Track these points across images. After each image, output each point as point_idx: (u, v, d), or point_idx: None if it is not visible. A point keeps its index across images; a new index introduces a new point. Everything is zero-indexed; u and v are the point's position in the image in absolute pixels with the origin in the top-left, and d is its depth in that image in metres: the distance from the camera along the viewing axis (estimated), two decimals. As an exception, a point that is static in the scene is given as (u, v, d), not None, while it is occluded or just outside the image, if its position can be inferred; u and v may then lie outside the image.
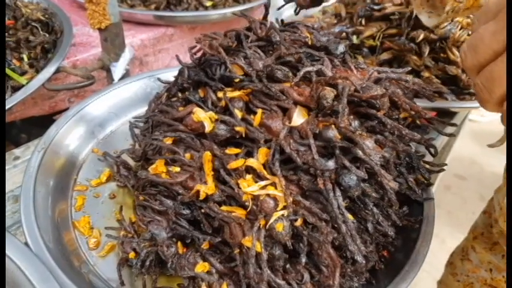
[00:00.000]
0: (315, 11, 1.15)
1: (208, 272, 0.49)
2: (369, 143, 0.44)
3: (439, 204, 2.18)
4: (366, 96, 0.43)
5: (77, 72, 0.86)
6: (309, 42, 0.53)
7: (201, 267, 0.49)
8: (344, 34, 0.53)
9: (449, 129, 0.85)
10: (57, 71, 0.84)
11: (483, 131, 2.56)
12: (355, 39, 0.96)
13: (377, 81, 0.47)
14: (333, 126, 0.44)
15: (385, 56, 0.93)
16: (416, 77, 0.89)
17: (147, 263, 0.51)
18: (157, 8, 1.18)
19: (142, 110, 0.76)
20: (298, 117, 0.47)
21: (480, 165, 2.31)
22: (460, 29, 0.94)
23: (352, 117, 0.46)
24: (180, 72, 0.57)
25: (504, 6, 0.35)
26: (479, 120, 2.72)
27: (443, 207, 2.13)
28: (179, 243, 0.52)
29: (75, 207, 0.61)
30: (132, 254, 0.52)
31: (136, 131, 0.70)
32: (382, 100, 0.43)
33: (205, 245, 0.51)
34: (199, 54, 0.58)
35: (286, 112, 0.49)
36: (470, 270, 0.82)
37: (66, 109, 0.91)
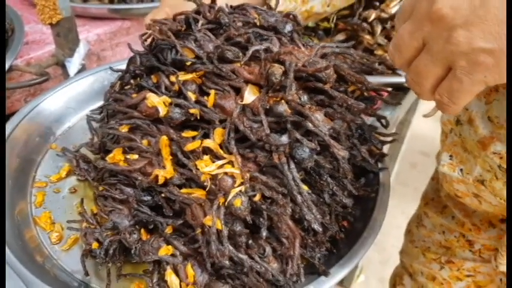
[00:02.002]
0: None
1: (172, 255, 0.50)
2: (318, 115, 0.46)
3: (406, 181, 2.24)
4: (312, 70, 0.44)
5: (30, 70, 0.84)
6: (258, 23, 0.54)
7: (165, 251, 0.50)
8: (292, 16, 0.54)
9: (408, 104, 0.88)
10: (10, 69, 0.82)
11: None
12: (310, 23, 0.98)
13: (323, 56, 0.49)
14: (282, 101, 0.46)
15: (339, 37, 0.95)
16: (370, 56, 0.92)
17: (111, 251, 0.51)
18: (111, 2, 1.16)
19: (99, 103, 0.75)
20: (250, 95, 0.48)
21: (442, 141, 2.39)
22: (410, 7, 0.97)
23: (301, 92, 0.47)
24: (132, 60, 0.57)
25: (415, 5, 0.38)
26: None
27: (410, 185, 2.20)
28: (142, 230, 0.53)
29: (35, 203, 0.60)
30: (95, 245, 0.52)
31: (94, 124, 0.69)
32: (328, 73, 0.45)
33: (168, 230, 0.52)
34: (150, 41, 0.58)
35: (238, 91, 0.50)
36: (425, 235, 0.86)
37: (22, 108, 0.88)
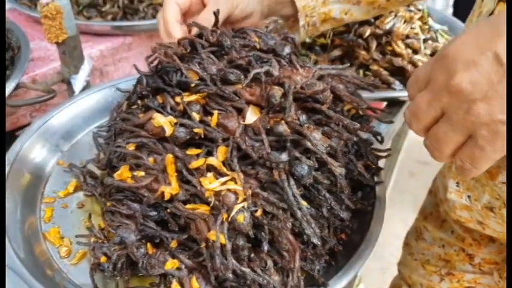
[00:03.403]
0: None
1: (178, 268, 0.52)
2: (316, 134, 0.48)
3: (405, 190, 2.25)
4: (310, 92, 0.47)
5: (37, 87, 0.87)
6: (258, 46, 0.57)
7: (171, 265, 0.52)
8: (290, 39, 0.57)
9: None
10: (17, 87, 0.84)
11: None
12: (307, 39, 1.01)
13: (320, 78, 0.52)
14: (282, 121, 0.48)
15: (336, 52, 0.98)
16: (365, 71, 0.95)
17: (119, 265, 0.53)
18: (114, 19, 1.19)
19: (105, 119, 0.77)
20: (251, 116, 0.51)
21: (440, 149, 2.41)
22: (404, 23, 1.00)
23: (300, 112, 0.50)
24: (139, 81, 0.60)
25: (431, 76, 0.40)
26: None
27: (408, 193, 2.23)
28: (149, 245, 0.55)
29: (44, 219, 0.62)
30: (103, 259, 0.54)
31: (100, 140, 0.71)
32: (325, 94, 0.48)
33: (173, 244, 0.54)
34: (156, 63, 0.60)
35: (240, 112, 0.52)
36: (425, 248, 0.87)
37: (28, 124, 0.91)
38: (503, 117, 0.36)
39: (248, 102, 0.52)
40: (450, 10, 2.60)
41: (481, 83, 0.36)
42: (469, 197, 0.64)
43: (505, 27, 0.35)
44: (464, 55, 0.37)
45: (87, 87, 0.94)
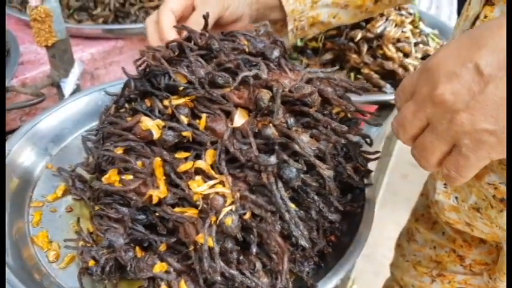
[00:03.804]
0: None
1: (167, 272, 0.52)
2: (304, 137, 0.49)
3: (398, 192, 2.26)
4: (298, 95, 0.47)
5: (26, 91, 0.87)
6: (247, 49, 0.57)
7: (159, 268, 0.52)
8: (279, 42, 0.58)
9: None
10: (6, 90, 0.84)
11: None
12: (298, 42, 1.01)
13: (309, 81, 0.52)
14: (270, 124, 0.48)
15: (327, 56, 0.99)
16: (357, 74, 0.96)
17: (107, 269, 0.53)
18: (105, 22, 1.19)
19: (94, 123, 0.77)
20: (240, 119, 0.51)
21: (432, 152, 2.43)
22: (395, 27, 1.01)
23: (288, 115, 0.50)
24: (126, 84, 0.60)
25: (416, 87, 0.41)
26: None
27: (402, 195, 2.24)
28: (137, 248, 0.55)
29: (32, 223, 0.62)
30: (92, 262, 0.54)
31: (89, 144, 0.71)
32: (313, 97, 0.48)
33: (162, 247, 0.54)
34: (144, 66, 0.60)
35: (228, 115, 0.52)
36: (416, 250, 0.88)
37: (18, 128, 0.90)
38: (487, 126, 0.37)
39: (236, 106, 0.52)
40: (455, 17, 2.61)
41: (463, 93, 0.37)
42: (456, 198, 0.65)
43: (484, 39, 0.36)
44: (446, 67, 0.38)
45: (77, 90, 0.94)
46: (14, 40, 0.98)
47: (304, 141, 0.48)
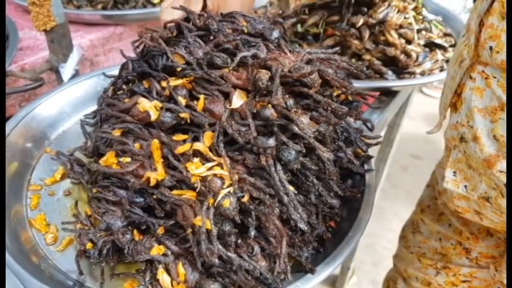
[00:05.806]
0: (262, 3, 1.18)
1: (164, 254, 0.51)
2: (303, 119, 0.48)
3: (398, 184, 2.25)
4: (297, 75, 0.46)
5: (25, 75, 0.86)
6: (246, 30, 0.56)
7: (157, 250, 0.51)
8: (279, 23, 0.56)
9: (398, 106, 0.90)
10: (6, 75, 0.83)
11: (435, 111, 2.68)
12: (299, 28, 1.00)
13: (309, 62, 0.51)
14: (269, 105, 0.47)
15: (328, 42, 0.97)
16: (358, 60, 0.94)
17: (104, 251, 0.52)
18: (104, 8, 1.18)
19: (93, 108, 0.76)
20: (238, 100, 0.50)
21: (434, 143, 2.42)
22: (397, 13, 1.00)
23: (287, 96, 0.49)
24: (124, 65, 0.59)
25: None
26: (434, 95, 2.83)
27: (401, 187, 2.23)
28: (135, 231, 0.54)
29: (30, 206, 0.61)
30: (89, 245, 0.54)
31: (88, 128, 0.71)
32: (312, 78, 0.47)
33: (160, 230, 0.54)
34: (141, 48, 0.59)
35: (227, 96, 0.52)
36: (421, 242, 0.86)
37: (17, 113, 0.90)
38: None
39: (235, 86, 0.51)
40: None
41: None
42: (465, 186, 0.64)
43: None
44: None
45: (76, 76, 0.93)
46: (12, 25, 0.97)
47: (303, 122, 0.47)
